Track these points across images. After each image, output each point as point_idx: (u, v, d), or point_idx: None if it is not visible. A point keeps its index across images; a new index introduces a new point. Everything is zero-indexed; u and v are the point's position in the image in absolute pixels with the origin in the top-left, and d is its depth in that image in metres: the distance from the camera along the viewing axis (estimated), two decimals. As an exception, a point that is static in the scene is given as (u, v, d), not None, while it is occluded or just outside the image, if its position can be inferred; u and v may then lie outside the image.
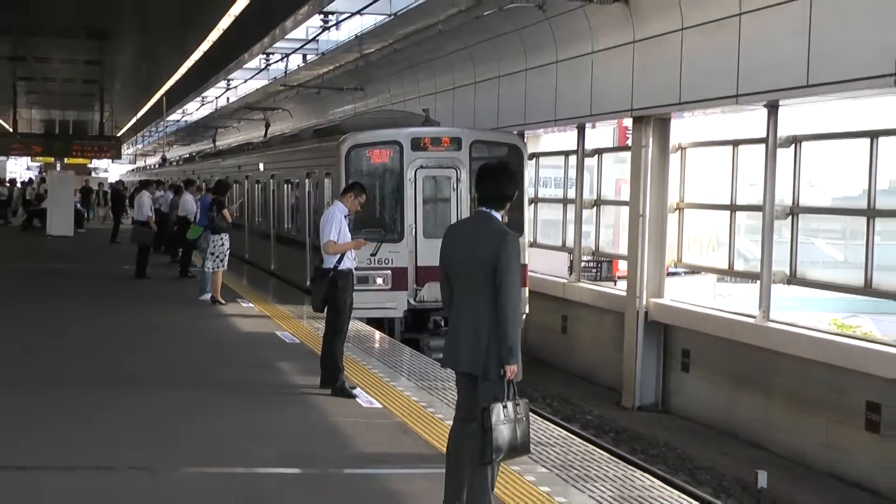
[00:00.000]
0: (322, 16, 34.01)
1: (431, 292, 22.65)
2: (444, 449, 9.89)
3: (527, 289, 23.45)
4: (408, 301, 23.17)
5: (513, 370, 9.10)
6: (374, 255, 22.57)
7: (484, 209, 9.55)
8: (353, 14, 33.80)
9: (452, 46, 32.69)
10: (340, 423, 13.19)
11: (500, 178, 9.64)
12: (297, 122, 50.87)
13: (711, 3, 20.73)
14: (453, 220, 21.36)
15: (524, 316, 22.28)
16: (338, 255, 14.71)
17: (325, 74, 44.39)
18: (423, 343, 22.37)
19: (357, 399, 14.37)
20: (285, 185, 30.71)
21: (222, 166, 44.82)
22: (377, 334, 21.47)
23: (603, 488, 10.59)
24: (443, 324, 21.85)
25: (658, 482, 11.11)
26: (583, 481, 10.80)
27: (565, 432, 13.21)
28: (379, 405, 14.09)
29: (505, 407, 9.01)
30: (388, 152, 23.48)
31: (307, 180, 26.92)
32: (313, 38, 40.53)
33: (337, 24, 35.36)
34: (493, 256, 9.20)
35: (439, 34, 31.99)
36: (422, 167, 23.34)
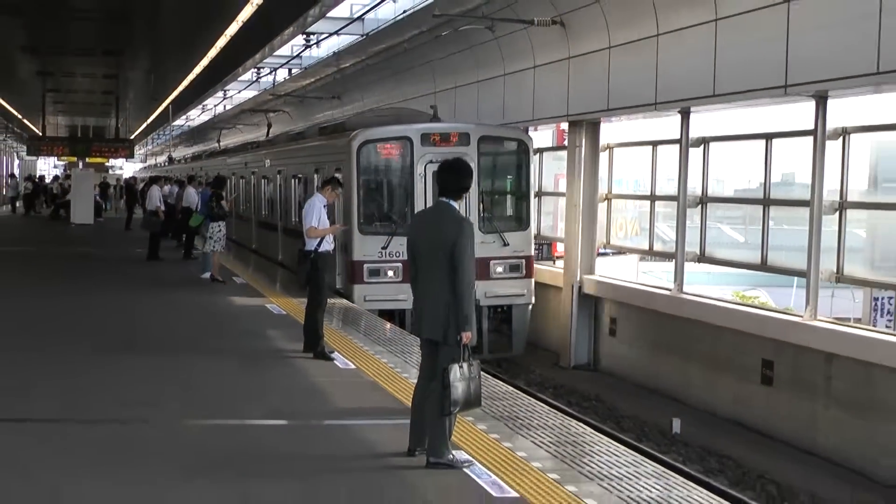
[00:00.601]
0: (304, 36, 33.88)
1: None
2: (410, 403, 9.96)
3: (533, 280, 22.36)
4: None
5: (468, 336, 9.21)
6: (385, 248, 20.90)
7: (444, 199, 9.61)
8: (330, 34, 33.72)
9: (416, 61, 32.64)
10: (320, 383, 13.15)
11: (457, 173, 9.71)
12: (293, 124, 49.86)
13: (634, 25, 20.76)
14: (462, 214, 19.88)
15: (531, 306, 22.27)
16: (318, 239, 14.69)
17: (307, 85, 44.24)
18: None
19: (335, 362, 14.31)
20: (293, 181, 27.95)
21: (229, 163, 42.03)
22: (358, 312, 19.77)
23: (543, 435, 10.58)
24: None
25: (590, 429, 11.14)
26: (526, 429, 10.79)
27: (512, 388, 13.18)
28: (354, 367, 14.04)
29: (461, 367, 9.13)
30: (399, 148, 21.50)
31: (316, 175, 24.18)
32: (297, 55, 40.42)
33: (317, 42, 35.27)
34: (452, 240, 9.27)
35: (405, 51, 31.99)
36: (431, 162, 20.90)
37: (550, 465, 9.48)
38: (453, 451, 9.42)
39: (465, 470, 9.23)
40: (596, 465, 9.51)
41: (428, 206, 17.80)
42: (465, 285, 9.18)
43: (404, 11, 29.37)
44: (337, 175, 20.57)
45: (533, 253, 22.45)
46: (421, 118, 23.55)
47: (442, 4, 25.08)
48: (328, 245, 14.95)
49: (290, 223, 27.63)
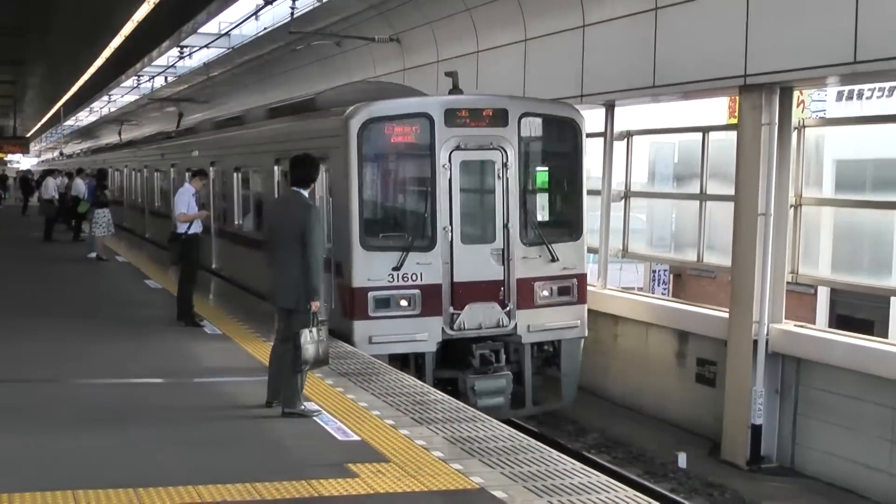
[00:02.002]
0: (179, 48, 33.33)
1: (473, 316, 13.26)
2: (267, 362, 9.88)
3: (586, 306, 14.40)
4: (442, 330, 13.21)
5: (316, 305, 9.28)
6: (397, 268, 13.02)
7: (295, 188, 9.59)
8: (201, 47, 33.29)
9: (276, 70, 32.34)
10: (191, 346, 12.93)
11: (306, 167, 9.73)
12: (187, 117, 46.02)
13: (459, 42, 20.82)
14: (499, 221, 13.41)
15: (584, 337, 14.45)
16: (188, 223, 14.46)
17: (181, 91, 43.51)
18: (466, 384, 13.14)
19: (204, 329, 14.09)
20: (235, 175, 19.04)
21: (140, 156, 32.83)
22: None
23: (381, 388, 10.56)
24: (493, 358, 13.31)
25: (419, 382, 11.05)
26: (367, 383, 10.75)
27: (351, 348, 13.07)
28: (220, 332, 13.84)
29: (311, 331, 9.16)
30: (415, 129, 13.30)
31: (276, 168, 15.83)
32: (172, 65, 39.79)
33: (190, 54, 34.76)
34: (303, 223, 9.26)
35: (265, 62, 31.72)
36: (458, 148, 13.27)
37: (387, 413, 9.47)
38: (305, 403, 9.42)
39: (314, 418, 9.19)
40: (426, 412, 9.54)
41: (457, 210, 13.18)
42: (313, 261, 9.21)
43: (265, 28, 29.27)
44: (322, 166, 12.78)
45: (586, 270, 14.61)
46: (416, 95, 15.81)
47: (297, 23, 24.91)
48: (197, 228, 14.68)
49: (232, 228, 19.31)
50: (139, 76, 43.84)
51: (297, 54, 28.19)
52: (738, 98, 14.25)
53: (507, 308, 13.46)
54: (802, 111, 21.47)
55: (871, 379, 12.44)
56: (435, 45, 21.79)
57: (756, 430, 13.68)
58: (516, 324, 13.52)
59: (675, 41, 14.92)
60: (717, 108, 20.21)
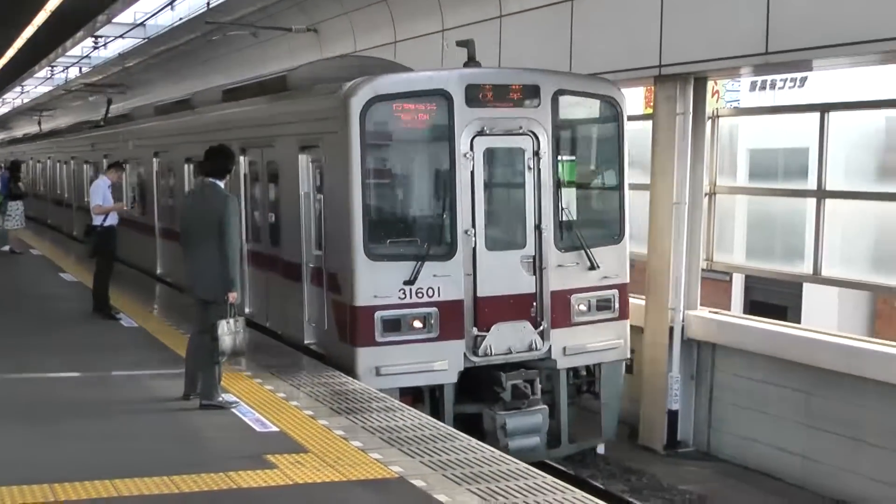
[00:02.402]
0: (93, 39, 32.80)
1: (501, 339, 10.99)
2: (185, 354, 9.79)
3: (628, 322, 12.20)
4: (464, 356, 10.94)
5: (233, 296, 9.21)
6: (410, 282, 10.65)
7: (210, 180, 9.50)
8: (116, 37, 32.80)
9: (193, 60, 31.97)
10: (108, 339, 12.79)
11: (221, 158, 9.65)
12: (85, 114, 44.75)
13: (376, 32, 20.78)
14: (530, 222, 11.23)
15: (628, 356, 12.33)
16: (104, 216, 14.25)
17: (96, 82, 42.80)
18: (494, 422, 10.93)
19: (121, 321, 13.92)
20: (187, 166, 16.52)
21: (65, 146, 30.19)
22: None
23: (300, 379, 10.52)
24: (529, 391, 11.01)
25: (338, 372, 10.84)
26: (285, 375, 10.70)
27: (275, 340, 13.01)
28: (137, 325, 13.67)
29: (228, 322, 9.08)
30: (431, 108, 10.87)
31: (244, 158, 13.58)
32: (87, 56, 39.16)
33: (105, 44, 34.22)
34: (219, 214, 9.17)
35: (182, 53, 31.37)
36: (481, 133, 10.93)
37: (306, 403, 9.45)
38: (223, 394, 9.35)
39: (233, 410, 9.14)
40: (345, 402, 9.52)
41: (481, 210, 10.92)
42: (230, 252, 9.14)
43: (180, 18, 28.93)
44: (307, 155, 11.83)
45: (628, 278, 12.17)
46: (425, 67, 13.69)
47: (213, 13, 24.65)
48: (113, 220, 14.47)
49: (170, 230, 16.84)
50: (53, 66, 43.09)
51: (214, 45, 27.86)
52: (653, 88, 14.41)
53: (541, 327, 11.26)
54: (717, 101, 21.78)
55: (784, 364, 12.69)
56: (353, 35, 21.72)
57: (672, 416, 13.87)
58: (550, 346, 11.33)
59: (591, 31, 15.03)
60: (633, 98, 20.39)
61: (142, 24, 32.00)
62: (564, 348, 11.46)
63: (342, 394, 9.85)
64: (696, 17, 13.12)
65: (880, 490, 11.58)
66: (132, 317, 14.24)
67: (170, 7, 28.95)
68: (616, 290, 11.88)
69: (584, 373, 11.99)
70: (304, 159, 11.86)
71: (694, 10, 13.15)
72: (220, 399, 9.24)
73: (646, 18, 13.77)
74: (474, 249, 10.91)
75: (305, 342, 11.93)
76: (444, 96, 10.84)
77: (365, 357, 10.70)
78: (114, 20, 28.81)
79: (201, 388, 9.30)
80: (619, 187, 12.19)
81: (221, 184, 9.49)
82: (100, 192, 14.38)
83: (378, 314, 10.62)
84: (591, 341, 11.71)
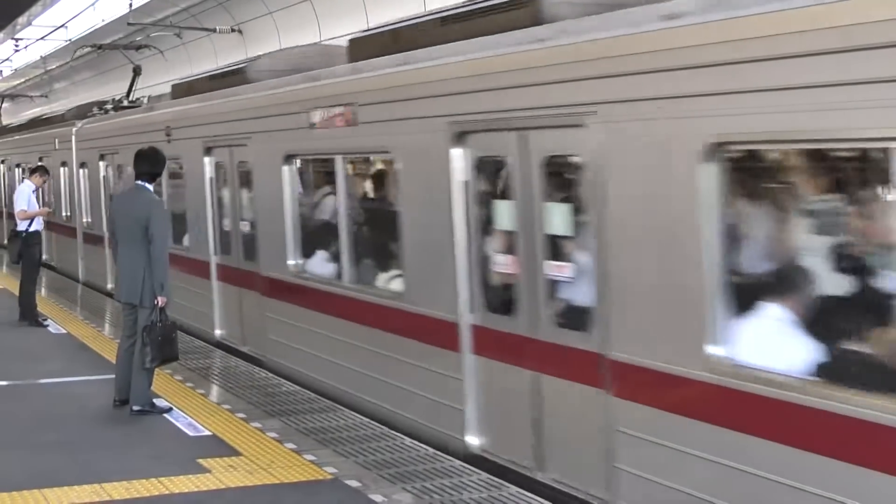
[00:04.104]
0: (14, 41, 32.31)
1: None
2: (115, 360, 9.65)
3: None
4: None
5: (163, 300, 9.05)
6: None
7: (140, 182, 9.37)
8: (37, 40, 32.33)
9: (117, 63, 31.60)
10: (35, 346, 12.60)
11: (152, 161, 9.54)
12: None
13: (300, 31, 20.69)
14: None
15: None
16: (29, 221, 14.01)
17: (17, 86, 42.15)
18: None
19: (48, 328, 13.70)
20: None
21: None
22: None
23: (232, 381, 10.45)
24: None
25: (270, 374, 10.78)
26: (217, 378, 10.62)
27: (205, 343, 12.87)
28: (65, 331, 13.47)
29: (157, 327, 8.95)
30: None
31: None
32: (7, 59, 38.58)
33: (26, 47, 33.72)
34: (147, 217, 9.06)
35: (106, 53, 30.89)
36: None
37: (239, 406, 9.35)
38: (154, 399, 9.23)
39: (165, 415, 9.03)
40: (278, 404, 9.44)
41: None
42: (159, 255, 9.02)
43: (103, 20, 28.57)
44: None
45: None
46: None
47: (136, 14, 24.34)
48: (38, 225, 14.26)
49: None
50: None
51: (138, 46, 27.60)
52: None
53: None
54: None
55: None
56: (277, 34, 21.61)
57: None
58: None
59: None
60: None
61: (63, 25, 31.56)
62: None
63: (274, 395, 9.77)
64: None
65: None
66: (60, 323, 14.03)
67: (92, 8, 28.54)
68: None
69: None
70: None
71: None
72: (152, 404, 9.12)
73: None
74: None
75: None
76: None
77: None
78: (34, 23, 28.41)
79: (132, 393, 9.15)
80: None
81: (150, 187, 9.40)
82: (23, 198, 14.16)
83: None
84: None
